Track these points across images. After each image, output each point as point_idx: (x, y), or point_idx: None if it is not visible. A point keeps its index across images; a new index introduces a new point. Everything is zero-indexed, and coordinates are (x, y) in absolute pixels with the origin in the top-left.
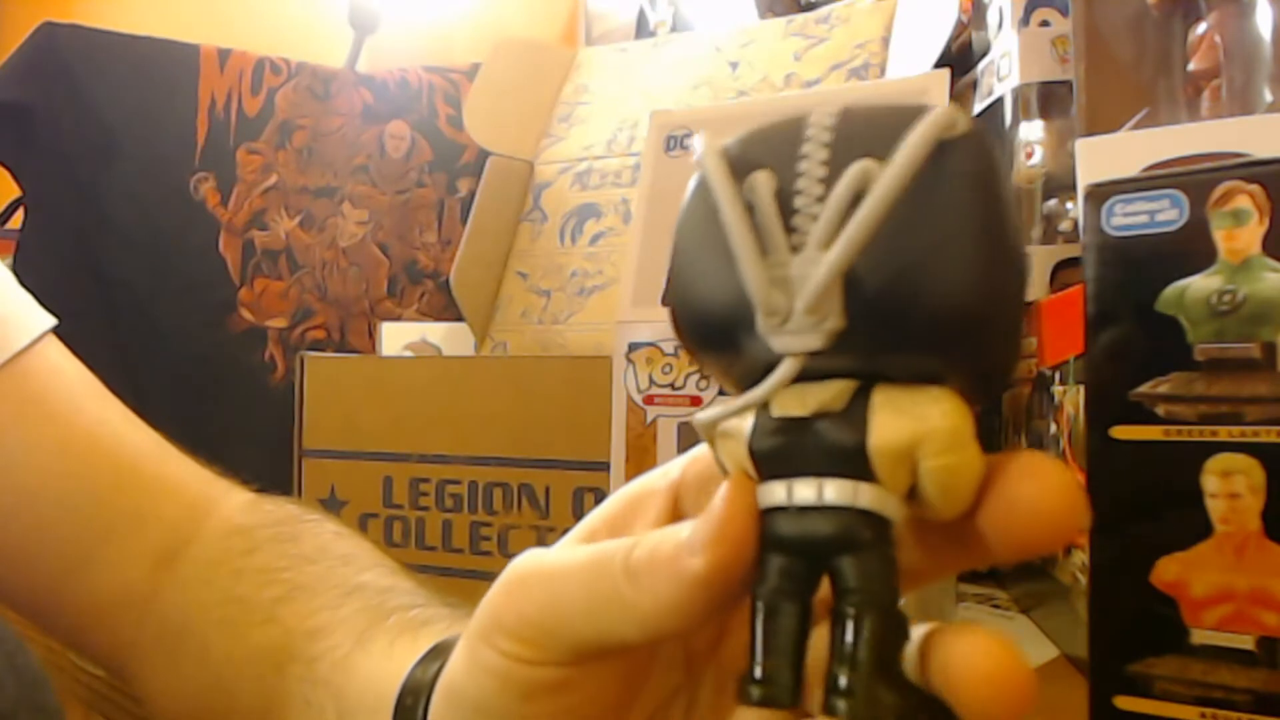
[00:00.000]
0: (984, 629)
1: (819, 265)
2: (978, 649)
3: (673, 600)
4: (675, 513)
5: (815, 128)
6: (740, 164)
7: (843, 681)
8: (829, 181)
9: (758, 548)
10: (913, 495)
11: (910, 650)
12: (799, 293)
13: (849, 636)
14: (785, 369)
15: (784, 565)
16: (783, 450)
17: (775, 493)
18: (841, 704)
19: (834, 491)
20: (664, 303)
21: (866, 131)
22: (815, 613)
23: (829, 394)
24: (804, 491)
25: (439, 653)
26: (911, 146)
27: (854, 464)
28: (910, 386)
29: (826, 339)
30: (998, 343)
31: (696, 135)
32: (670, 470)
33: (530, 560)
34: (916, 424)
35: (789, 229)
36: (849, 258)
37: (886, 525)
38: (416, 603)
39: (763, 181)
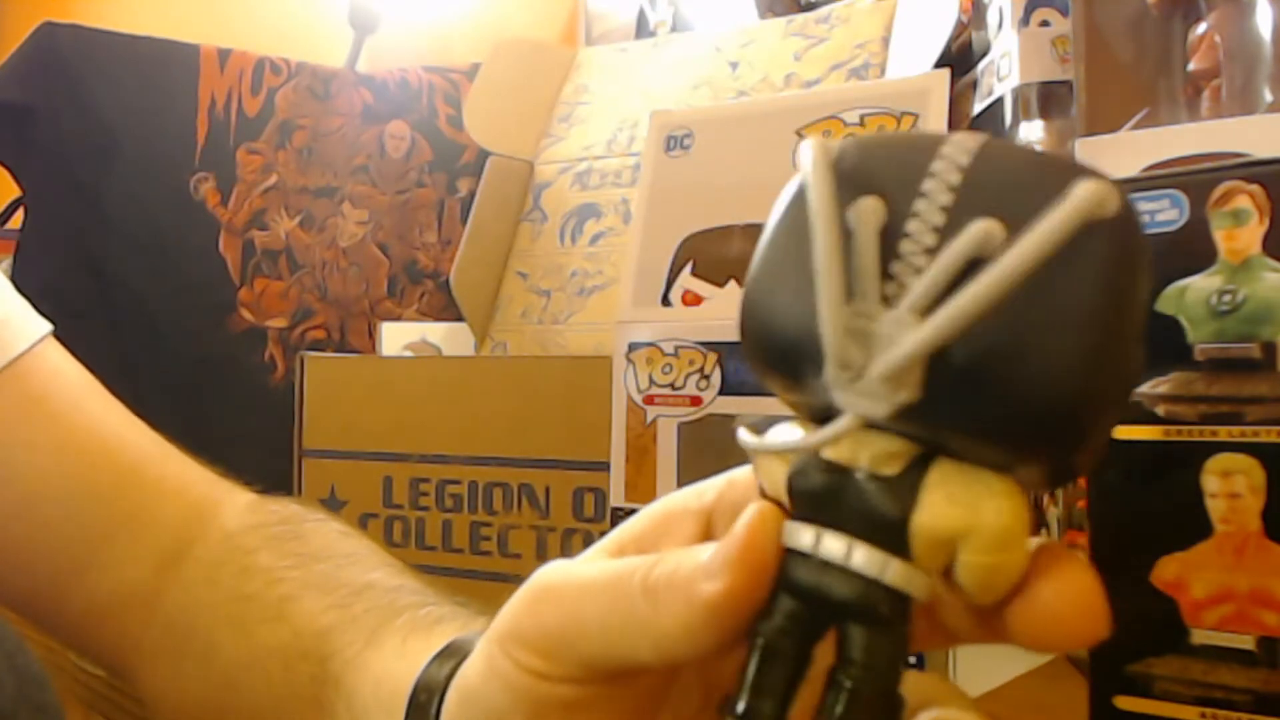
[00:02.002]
0: None
1: (908, 334)
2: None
3: (685, 623)
4: (706, 536)
5: (945, 161)
6: (851, 179)
7: None
8: (944, 233)
9: (773, 583)
10: (946, 575)
11: None
12: (878, 355)
13: (840, 709)
14: (843, 426)
15: (793, 609)
16: (822, 495)
17: (803, 536)
18: None
19: (863, 558)
20: (741, 307)
21: (1001, 183)
22: (814, 661)
23: (885, 453)
24: (832, 546)
25: (452, 652)
26: (1051, 230)
27: (891, 537)
28: (971, 469)
29: (894, 411)
30: (1081, 446)
31: (807, 141)
32: (706, 492)
33: (554, 571)
34: (968, 516)
35: (886, 274)
36: (947, 339)
37: (907, 603)
38: (427, 601)
39: (870, 211)
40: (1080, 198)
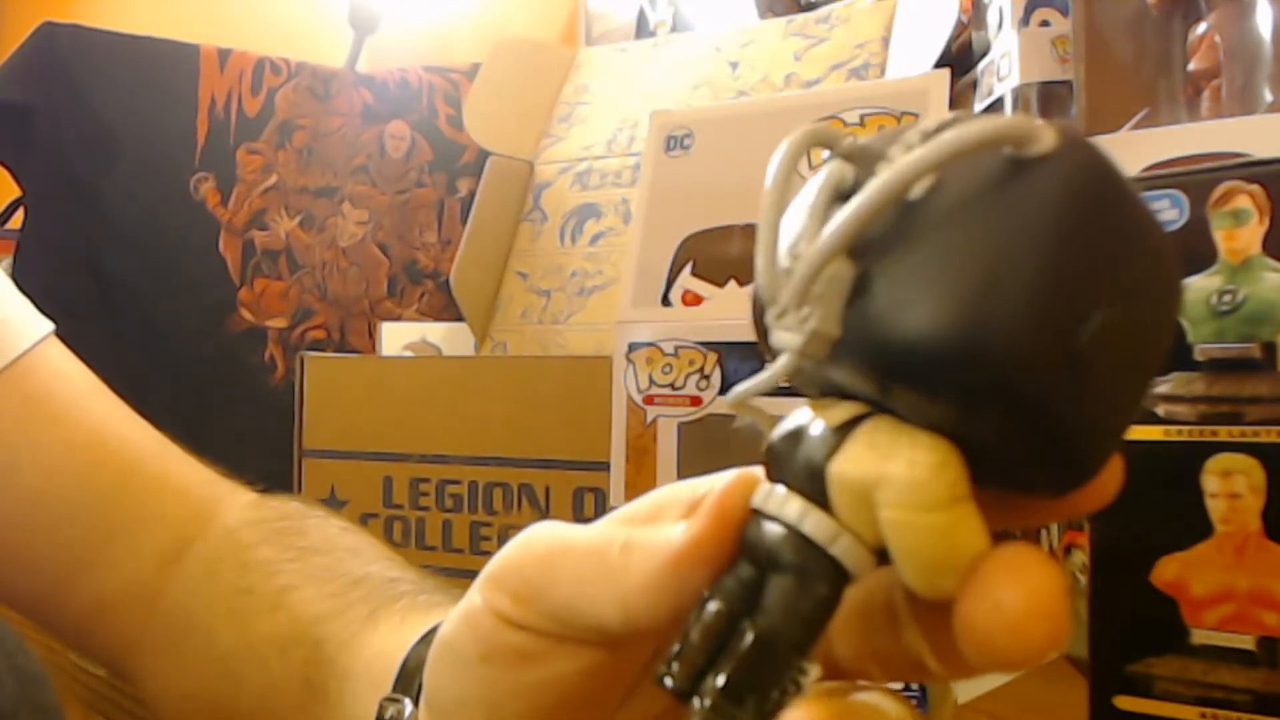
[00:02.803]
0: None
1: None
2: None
3: (649, 577)
4: None
5: (914, 131)
6: (844, 153)
7: (707, 700)
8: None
9: (737, 545)
10: (876, 544)
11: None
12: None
13: (727, 656)
14: (777, 366)
15: (747, 574)
16: (780, 453)
17: (762, 493)
18: (698, 703)
19: (783, 503)
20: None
21: (950, 141)
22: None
23: (836, 412)
24: (772, 497)
25: None
26: (943, 147)
27: (814, 484)
28: (905, 426)
29: (811, 341)
30: (1051, 415)
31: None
32: (698, 485)
33: (545, 526)
34: (879, 464)
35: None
36: (831, 249)
37: (826, 560)
38: (423, 590)
39: (833, 168)
40: (1000, 124)
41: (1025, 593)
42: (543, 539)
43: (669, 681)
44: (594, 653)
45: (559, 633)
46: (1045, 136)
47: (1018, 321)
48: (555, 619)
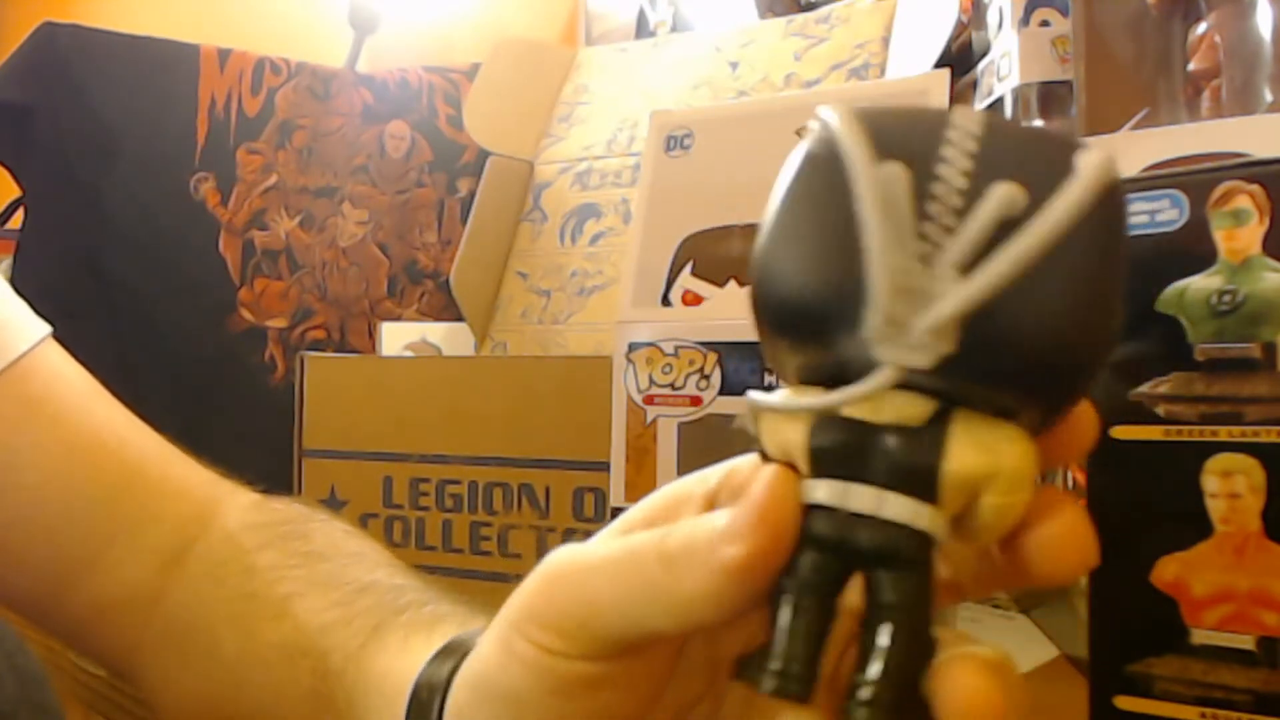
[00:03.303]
0: (984, 665)
1: (954, 290)
2: (967, 686)
3: (708, 587)
4: None
5: (959, 131)
6: (874, 144)
7: (866, 692)
8: (969, 195)
9: (795, 541)
10: (957, 521)
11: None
12: (921, 309)
13: (879, 649)
14: (884, 378)
15: (818, 562)
16: (845, 452)
17: (826, 491)
18: (862, 713)
19: (895, 507)
20: (751, 268)
21: (1014, 151)
22: (839, 614)
23: (910, 409)
24: (861, 498)
25: (452, 649)
26: (1080, 194)
27: (922, 485)
28: (987, 419)
29: (936, 361)
30: (1083, 389)
31: (827, 106)
32: (709, 477)
33: (565, 554)
34: (992, 460)
35: (919, 234)
36: (991, 295)
37: (933, 546)
38: (428, 599)
39: (901, 173)
40: (1096, 167)
41: (1069, 530)
42: (567, 568)
43: (774, 686)
44: (652, 651)
45: (617, 651)
46: (1114, 169)
47: (1108, 341)
48: (609, 642)
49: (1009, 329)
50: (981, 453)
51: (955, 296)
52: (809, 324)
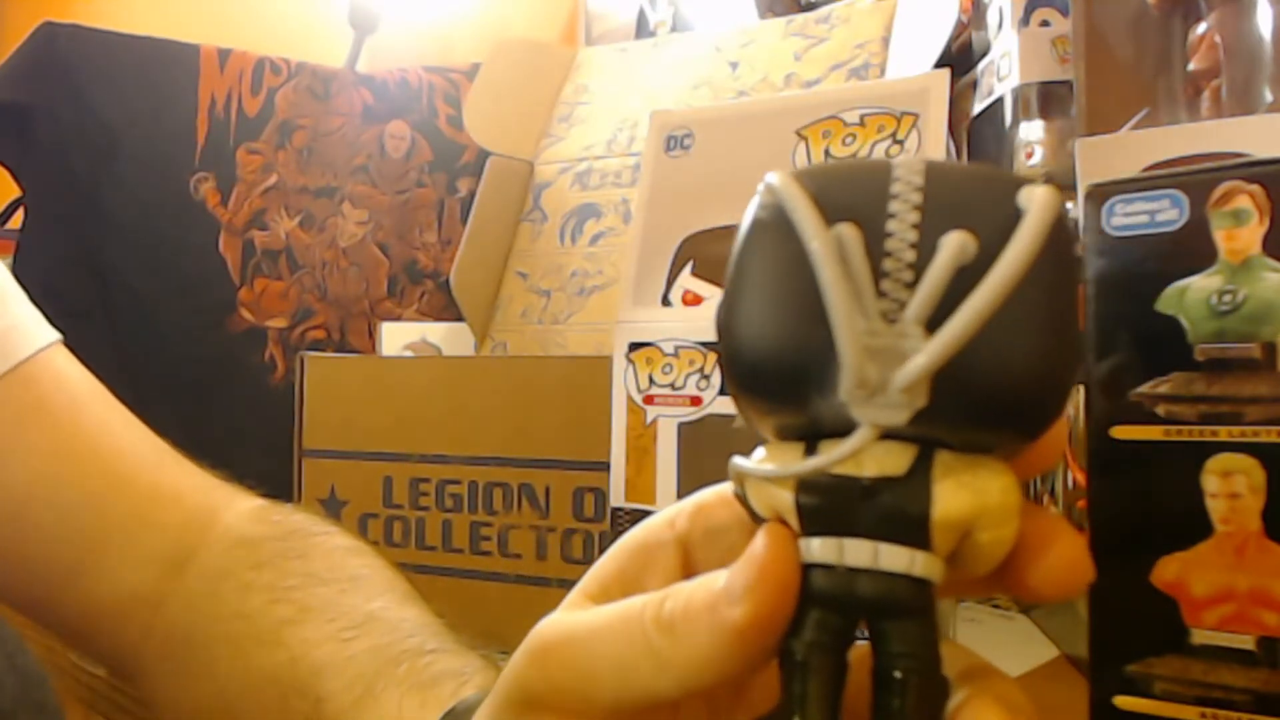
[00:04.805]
0: (1004, 707)
1: (922, 347)
2: None
3: (710, 652)
4: (687, 567)
5: (902, 183)
6: (822, 206)
7: None
8: (921, 248)
9: (797, 600)
10: (950, 557)
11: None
12: (893, 368)
13: (896, 700)
14: (862, 437)
15: (823, 620)
16: (833, 508)
17: (822, 549)
18: None
19: (890, 557)
20: (719, 336)
21: (958, 196)
22: (850, 667)
23: (891, 459)
24: (857, 553)
25: None
26: (1031, 236)
27: (914, 532)
28: (966, 457)
29: (911, 416)
30: (1056, 413)
31: (773, 172)
32: (676, 520)
33: (552, 626)
34: (979, 499)
35: (879, 292)
36: (959, 347)
37: (931, 589)
38: (427, 647)
39: (853, 237)
40: (1041, 204)
41: (1068, 556)
42: (559, 642)
43: None
44: (655, 712)
45: (630, 714)
46: (1058, 200)
47: (1074, 366)
48: (613, 712)
49: (979, 374)
50: (968, 493)
51: (925, 355)
52: (781, 389)
